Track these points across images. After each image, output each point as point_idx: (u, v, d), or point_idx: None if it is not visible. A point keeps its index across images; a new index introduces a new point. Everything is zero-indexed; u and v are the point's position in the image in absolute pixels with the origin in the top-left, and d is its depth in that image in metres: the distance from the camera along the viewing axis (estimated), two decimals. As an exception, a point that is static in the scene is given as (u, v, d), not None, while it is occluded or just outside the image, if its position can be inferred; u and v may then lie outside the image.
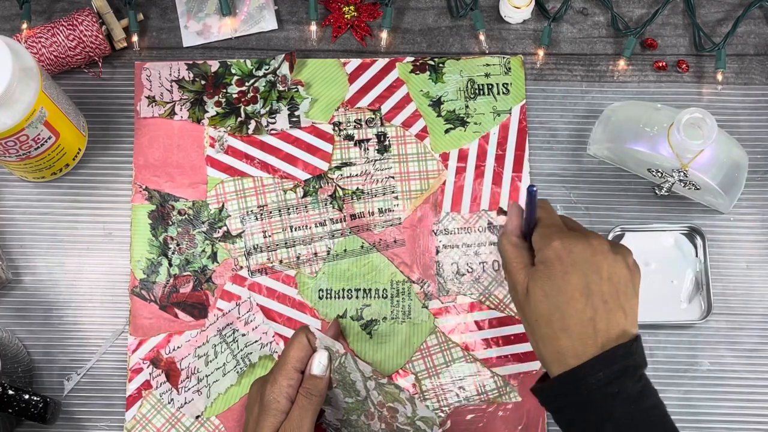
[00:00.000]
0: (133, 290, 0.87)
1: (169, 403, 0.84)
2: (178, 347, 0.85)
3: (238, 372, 0.85)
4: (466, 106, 0.91)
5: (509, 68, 0.91)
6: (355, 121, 0.90)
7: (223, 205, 0.88)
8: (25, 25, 0.89)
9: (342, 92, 0.91)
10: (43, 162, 0.84)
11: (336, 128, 0.90)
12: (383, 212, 0.89)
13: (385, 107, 0.91)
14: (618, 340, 0.67)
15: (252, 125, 0.90)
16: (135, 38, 0.91)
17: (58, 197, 0.89)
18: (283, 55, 0.91)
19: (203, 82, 0.91)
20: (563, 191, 0.89)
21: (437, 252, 0.88)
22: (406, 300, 0.87)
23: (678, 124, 0.80)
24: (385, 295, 0.87)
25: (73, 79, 0.91)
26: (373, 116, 0.91)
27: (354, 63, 0.92)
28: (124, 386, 0.85)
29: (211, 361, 0.85)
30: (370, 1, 0.93)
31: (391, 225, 0.88)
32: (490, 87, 0.91)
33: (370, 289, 0.87)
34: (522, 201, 0.88)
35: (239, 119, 0.90)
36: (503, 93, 0.91)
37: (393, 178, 0.89)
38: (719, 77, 0.91)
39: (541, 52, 0.92)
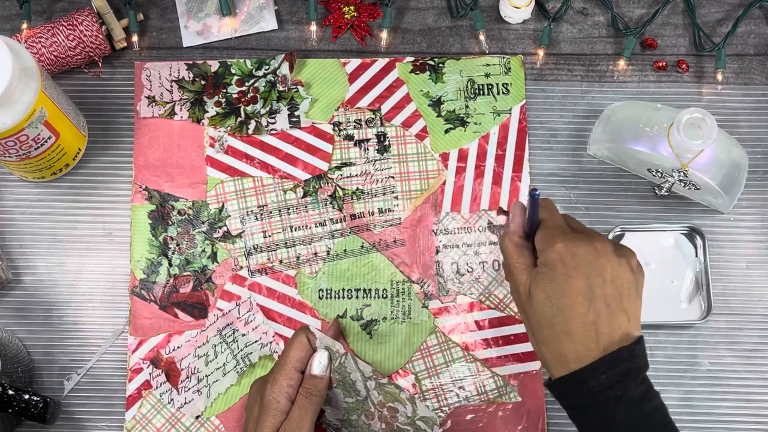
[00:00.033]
0: (133, 290, 0.87)
1: (169, 403, 0.84)
2: (178, 347, 0.85)
3: (238, 372, 0.85)
4: (466, 106, 0.91)
5: (509, 68, 0.91)
6: (355, 121, 0.90)
7: (223, 205, 0.88)
8: (25, 25, 0.89)
9: (342, 92, 0.91)
10: (43, 162, 0.84)
11: (336, 128, 0.90)
12: (383, 212, 0.89)
13: (385, 107, 0.91)
14: (621, 342, 0.67)
15: (252, 125, 0.90)
16: (135, 38, 0.91)
17: (58, 197, 0.89)
18: (283, 55, 0.91)
19: (203, 82, 0.91)
20: (563, 191, 0.89)
21: (437, 252, 0.88)
22: (406, 300, 0.87)
23: (678, 124, 0.80)
24: (385, 295, 0.87)
25: (73, 79, 0.91)
26: (373, 116, 0.91)
27: (354, 63, 0.92)
28: (124, 386, 0.85)
29: (211, 361, 0.85)
30: (370, 1, 0.93)
31: (391, 225, 0.88)
32: (490, 87, 0.91)
33: (370, 289, 0.87)
34: (523, 200, 0.88)
35: (239, 119, 0.90)
36: (503, 93, 0.91)
37: (393, 178, 0.89)
38: (719, 77, 0.91)
39: (541, 52, 0.92)
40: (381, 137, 0.90)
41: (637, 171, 0.89)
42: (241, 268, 0.87)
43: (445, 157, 0.90)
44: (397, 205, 0.89)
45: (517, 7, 0.91)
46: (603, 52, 0.93)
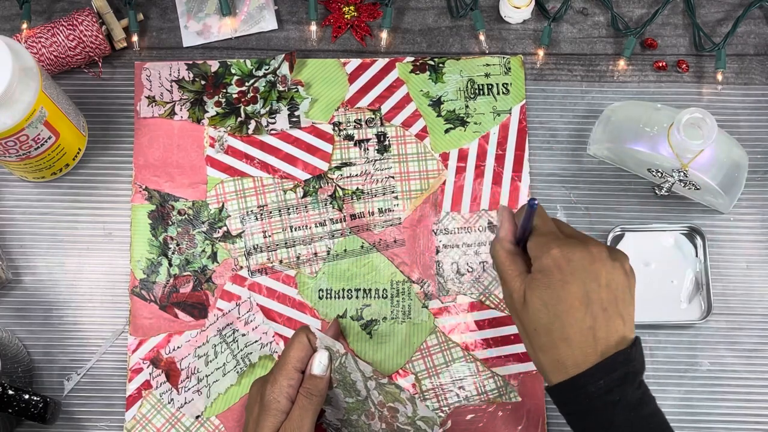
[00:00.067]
0: (133, 290, 0.87)
1: (169, 403, 0.84)
2: (178, 347, 0.85)
3: (238, 372, 0.85)
4: (466, 106, 0.91)
5: (509, 68, 0.91)
6: (355, 121, 0.90)
7: (223, 205, 0.88)
8: (25, 25, 0.89)
9: (342, 92, 0.91)
10: (43, 162, 0.84)
11: (336, 128, 0.90)
12: (383, 212, 0.89)
13: (385, 107, 0.91)
14: (617, 347, 0.67)
15: (252, 125, 0.90)
16: (135, 38, 0.91)
17: (58, 197, 0.89)
18: (283, 55, 0.91)
19: (203, 82, 0.91)
20: (563, 191, 0.89)
21: (437, 252, 0.88)
22: (406, 300, 0.87)
23: (678, 124, 0.80)
24: (385, 295, 0.87)
25: (73, 79, 0.91)
26: (373, 116, 0.91)
27: (354, 63, 0.92)
28: (124, 386, 0.85)
29: (211, 361, 0.85)
30: (370, 1, 0.93)
31: (391, 225, 0.88)
32: (490, 87, 0.91)
33: (370, 289, 0.87)
34: (521, 202, 0.88)
35: (239, 119, 0.90)
36: (503, 93, 0.91)
37: (393, 178, 0.89)
38: (719, 77, 0.91)
39: (541, 52, 0.92)
40: (381, 137, 0.90)
41: (637, 171, 0.89)
42: (241, 268, 0.87)
43: (445, 157, 0.90)
44: (397, 205, 0.89)
45: (517, 7, 0.91)
46: (603, 52, 0.93)
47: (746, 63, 0.92)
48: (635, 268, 0.86)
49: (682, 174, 0.82)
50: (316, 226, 0.88)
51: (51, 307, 0.87)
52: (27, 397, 0.77)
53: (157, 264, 0.87)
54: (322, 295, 0.87)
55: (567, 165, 0.90)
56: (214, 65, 0.91)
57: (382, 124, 0.90)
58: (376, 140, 0.90)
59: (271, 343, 0.86)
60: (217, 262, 0.87)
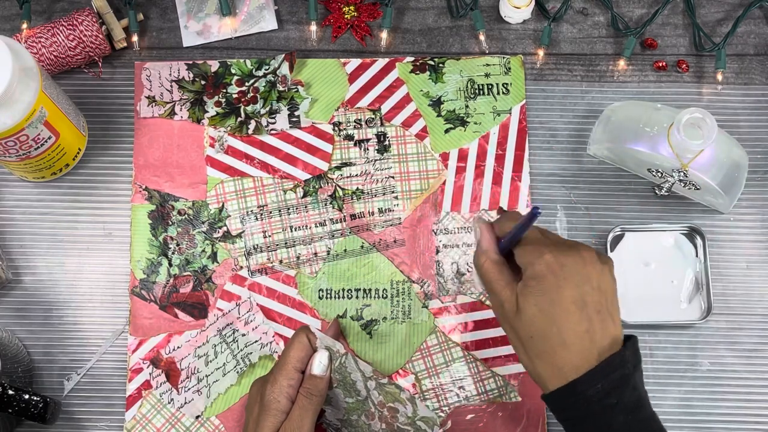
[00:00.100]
0: (133, 290, 0.87)
1: (169, 403, 0.84)
2: (178, 347, 0.85)
3: (238, 372, 0.85)
4: (466, 106, 0.91)
5: (509, 68, 0.91)
6: (355, 121, 0.90)
7: (223, 205, 0.88)
8: (25, 25, 0.89)
9: (342, 92, 0.91)
10: (43, 162, 0.84)
11: (336, 128, 0.90)
12: (383, 212, 0.89)
13: (385, 107, 0.91)
14: (611, 349, 0.67)
15: (252, 125, 0.90)
16: (135, 38, 0.91)
17: (58, 197, 0.89)
18: (283, 55, 0.91)
19: (203, 82, 0.91)
20: (563, 191, 0.89)
21: (437, 252, 0.88)
22: (406, 300, 0.87)
23: (678, 124, 0.80)
24: (385, 295, 0.87)
25: (73, 79, 0.91)
26: (373, 116, 0.91)
27: (354, 63, 0.92)
28: (124, 386, 0.85)
29: (211, 361, 0.85)
30: (370, 1, 0.93)
31: (391, 225, 0.88)
32: (490, 87, 0.91)
33: (370, 289, 0.87)
34: (521, 202, 0.88)
35: (239, 119, 0.90)
36: (503, 93, 0.91)
37: (393, 178, 0.89)
38: (719, 77, 0.91)
39: (541, 52, 0.92)
40: (381, 137, 0.90)
41: (637, 171, 0.89)
42: (241, 268, 0.87)
43: (445, 157, 0.90)
44: (397, 205, 0.89)
45: (517, 7, 0.91)
46: (603, 52, 0.93)
47: (746, 63, 0.92)
48: (635, 268, 0.87)
49: (682, 174, 0.82)
50: (316, 226, 0.88)
51: (51, 307, 0.87)
52: (27, 397, 0.77)
53: (157, 264, 0.87)
54: (322, 295, 0.87)
55: (567, 165, 0.90)
56: (214, 65, 0.91)
57: (382, 124, 0.90)
58: (376, 140, 0.90)
59: (271, 343, 0.86)
60: (217, 262, 0.87)
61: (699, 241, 0.87)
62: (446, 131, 0.90)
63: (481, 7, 0.93)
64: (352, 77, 0.91)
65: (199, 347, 0.85)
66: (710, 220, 0.88)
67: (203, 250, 0.87)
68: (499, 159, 0.90)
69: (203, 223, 0.88)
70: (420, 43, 0.93)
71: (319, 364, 0.76)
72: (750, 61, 0.92)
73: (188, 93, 0.91)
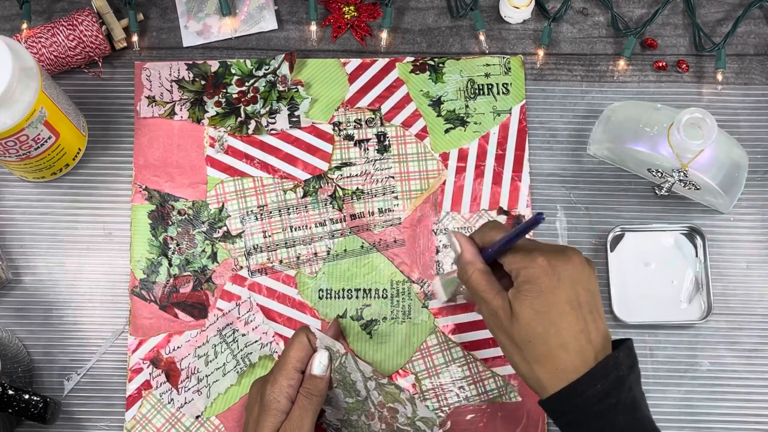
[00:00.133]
0: (133, 290, 0.87)
1: (169, 403, 0.84)
2: (178, 347, 0.85)
3: (238, 372, 0.85)
4: (466, 106, 0.91)
5: (509, 68, 0.91)
6: (355, 121, 0.90)
7: (223, 205, 0.88)
8: (25, 25, 0.89)
9: (342, 92, 0.91)
10: (43, 162, 0.84)
11: (336, 128, 0.90)
12: (383, 212, 0.89)
13: (385, 107, 0.91)
14: (605, 349, 0.68)
15: (252, 125, 0.90)
16: (135, 38, 0.91)
17: (58, 197, 0.89)
18: (283, 55, 0.92)
19: (203, 82, 0.91)
20: (563, 191, 0.89)
21: (437, 252, 0.88)
22: (406, 300, 0.87)
23: (678, 124, 0.80)
24: (385, 295, 0.87)
25: (73, 79, 0.91)
26: (373, 116, 0.91)
27: (354, 63, 0.92)
28: (124, 386, 0.85)
29: (211, 361, 0.85)
30: (370, 1, 0.93)
31: (391, 225, 0.88)
32: (490, 87, 0.91)
33: (370, 289, 0.87)
34: (521, 202, 0.88)
35: (239, 119, 0.90)
36: (503, 93, 0.91)
37: (393, 178, 0.89)
38: (719, 77, 0.91)
39: (541, 52, 0.92)
40: (381, 137, 0.90)
41: (637, 171, 0.89)
42: (241, 268, 0.87)
43: (445, 157, 0.90)
44: (397, 205, 0.89)
45: (517, 7, 0.91)
46: (603, 52, 0.93)
47: (746, 63, 0.92)
48: (635, 268, 0.87)
49: (682, 174, 0.82)
50: (316, 226, 0.88)
51: (51, 307, 0.87)
52: (27, 397, 0.77)
53: (157, 264, 0.87)
54: (322, 295, 0.87)
55: (567, 165, 0.90)
56: (214, 65, 0.91)
57: (382, 124, 0.90)
58: (376, 140, 0.90)
59: (271, 343, 0.86)
60: (217, 262, 0.87)
61: (699, 241, 0.87)
62: (446, 131, 0.90)
63: (481, 7, 0.93)
64: (352, 77, 0.91)
65: (199, 347, 0.85)
66: (710, 220, 0.88)
67: (203, 250, 0.87)
68: (499, 159, 0.90)
69: (203, 223, 0.88)
70: (420, 43, 0.93)
71: (319, 364, 0.76)
72: (750, 61, 0.92)
73: (188, 93, 0.91)
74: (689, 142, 0.79)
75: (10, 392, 0.77)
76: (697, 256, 0.87)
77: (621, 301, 0.86)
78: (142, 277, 0.87)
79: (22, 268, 0.88)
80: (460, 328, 0.86)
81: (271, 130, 0.90)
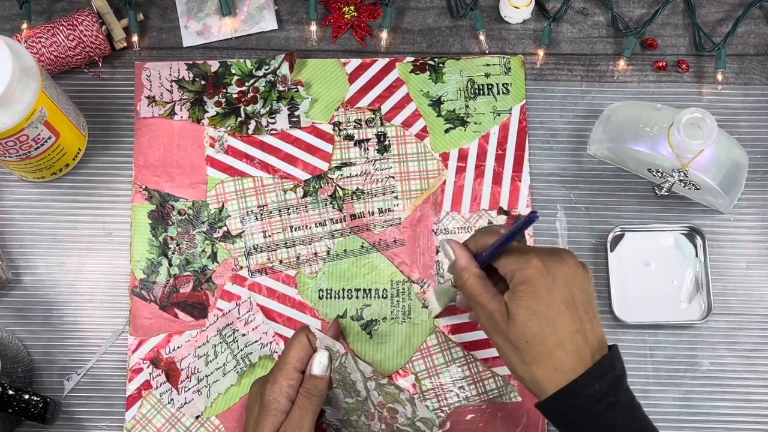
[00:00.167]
0: (133, 290, 0.87)
1: (169, 403, 0.84)
2: (178, 347, 0.85)
3: (238, 372, 0.85)
4: (466, 106, 0.91)
5: (509, 68, 0.91)
6: (355, 121, 0.90)
7: (223, 205, 0.88)
8: (25, 25, 0.89)
9: (342, 92, 0.91)
10: (43, 162, 0.84)
11: (336, 128, 0.90)
12: (383, 212, 0.89)
13: (385, 107, 0.91)
14: (600, 350, 0.68)
15: (252, 125, 0.90)
16: (135, 38, 0.91)
17: (58, 197, 0.89)
18: (283, 55, 0.92)
19: (203, 82, 0.91)
20: (563, 191, 0.89)
21: (437, 252, 0.88)
22: (406, 300, 0.87)
23: (678, 124, 0.80)
24: (385, 295, 0.87)
25: (73, 79, 0.91)
26: (373, 116, 0.91)
27: (354, 63, 0.92)
28: (124, 386, 0.85)
29: (211, 361, 0.85)
30: (370, 1, 0.93)
31: (391, 225, 0.88)
32: (490, 87, 0.91)
33: (370, 289, 0.87)
34: (521, 202, 0.88)
35: (239, 119, 0.90)
36: (503, 93, 0.91)
37: (393, 178, 0.89)
38: (719, 77, 0.91)
39: (541, 52, 0.92)
40: (381, 137, 0.90)
41: (637, 171, 0.89)
42: (241, 268, 0.87)
43: (445, 157, 0.90)
44: (397, 205, 0.89)
45: (517, 7, 0.91)
46: (603, 52, 0.93)
47: (746, 63, 0.92)
48: (635, 268, 0.87)
49: (682, 174, 0.82)
50: (316, 226, 0.88)
51: (51, 307, 0.87)
52: (27, 397, 0.77)
53: (157, 264, 0.87)
54: (322, 295, 0.87)
55: (567, 165, 0.90)
56: (214, 65, 0.91)
57: (382, 124, 0.90)
58: (376, 140, 0.90)
59: (271, 343, 0.86)
60: (217, 262, 0.87)
61: (699, 241, 0.87)
62: (446, 131, 0.90)
63: (481, 7, 0.93)
64: (352, 77, 0.91)
65: (199, 347, 0.85)
66: (710, 220, 0.89)
67: (203, 250, 0.87)
68: (499, 159, 0.90)
69: (203, 223, 0.88)
70: (420, 43, 0.93)
71: (319, 364, 0.76)
72: (750, 61, 0.92)
73: (188, 93, 0.91)
74: (689, 142, 0.79)
75: (10, 392, 0.77)
76: (697, 256, 0.87)
77: (621, 301, 0.86)
78: (142, 277, 0.87)
79: (22, 268, 0.88)
80: (460, 328, 0.86)
81: (271, 130, 0.90)
